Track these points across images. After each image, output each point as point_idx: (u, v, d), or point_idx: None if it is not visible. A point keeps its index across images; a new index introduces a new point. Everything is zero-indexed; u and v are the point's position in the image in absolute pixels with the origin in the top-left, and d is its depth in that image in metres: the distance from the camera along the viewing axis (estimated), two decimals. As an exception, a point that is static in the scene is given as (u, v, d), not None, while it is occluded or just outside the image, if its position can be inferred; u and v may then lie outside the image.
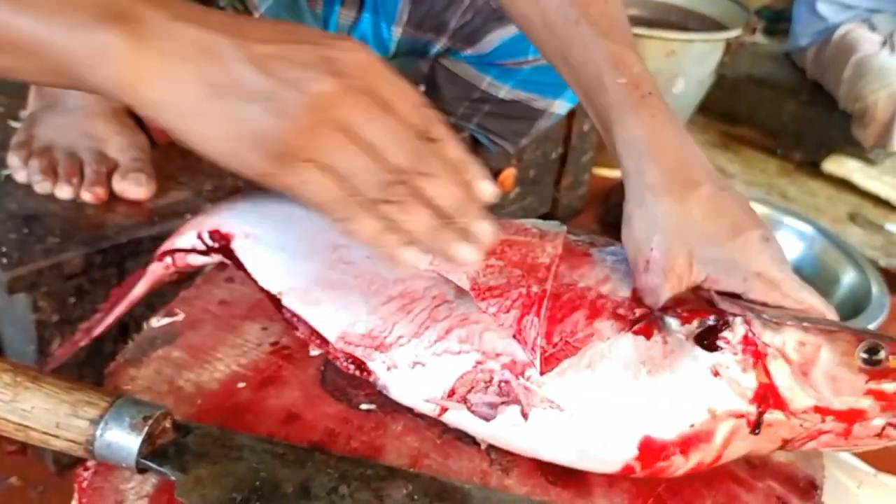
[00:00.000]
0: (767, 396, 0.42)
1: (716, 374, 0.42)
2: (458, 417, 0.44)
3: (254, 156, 0.37)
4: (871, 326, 1.02)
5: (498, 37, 0.89)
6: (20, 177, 0.75)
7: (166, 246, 0.56)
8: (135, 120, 0.81)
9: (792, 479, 0.46)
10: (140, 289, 0.55)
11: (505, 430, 0.43)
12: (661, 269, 0.45)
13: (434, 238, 0.39)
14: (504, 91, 0.93)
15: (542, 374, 0.42)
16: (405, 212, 0.39)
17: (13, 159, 0.75)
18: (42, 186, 0.74)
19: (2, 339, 0.84)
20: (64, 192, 0.74)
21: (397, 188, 0.38)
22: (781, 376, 0.42)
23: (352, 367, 0.46)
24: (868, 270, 1.14)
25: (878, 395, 0.41)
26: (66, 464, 0.79)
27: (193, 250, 0.54)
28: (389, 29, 0.91)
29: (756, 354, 0.42)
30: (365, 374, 0.45)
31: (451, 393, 0.43)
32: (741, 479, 0.45)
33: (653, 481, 0.44)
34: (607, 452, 0.42)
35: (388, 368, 0.45)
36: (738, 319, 0.43)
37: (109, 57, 0.35)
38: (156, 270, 0.56)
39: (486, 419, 0.43)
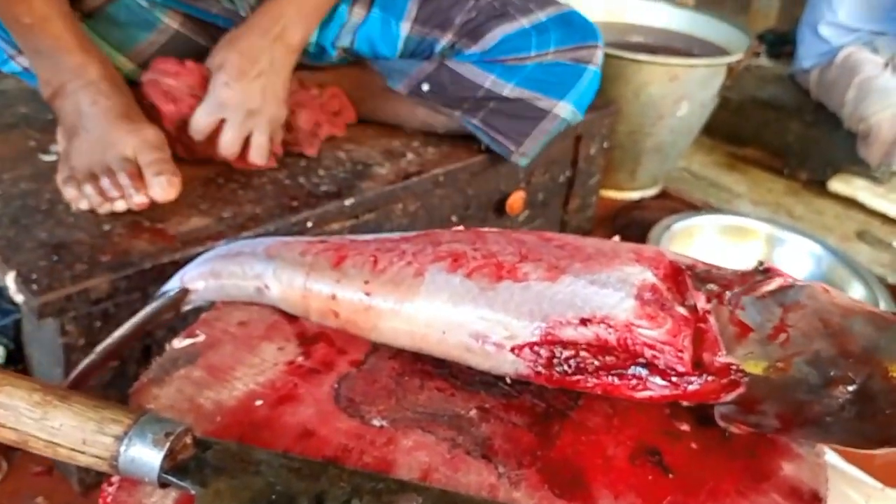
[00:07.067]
0: None
1: None
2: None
3: None
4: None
5: (500, 32, 0.93)
6: (83, 205, 0.80)
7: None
8: (145, 113, 0.86)
9: (796, 491, 0.47)
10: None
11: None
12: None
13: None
14: (508, 89, 0.95)
15: None
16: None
17: (68, 193, 0.81)
18: (104, 208, 0.80)
19: (30, 362, 0.86)
20: (119, 205, 0.80)
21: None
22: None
23: None
24: (875, 287, 1.14)
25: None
26: (91, 483, 0.81)
27: None
28: (398, 25, 0.95)
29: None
30: None
31: None
32: (745, 492, 0.46)
33: (659, 492, 0.45)
34: None
35: None
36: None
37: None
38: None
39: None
